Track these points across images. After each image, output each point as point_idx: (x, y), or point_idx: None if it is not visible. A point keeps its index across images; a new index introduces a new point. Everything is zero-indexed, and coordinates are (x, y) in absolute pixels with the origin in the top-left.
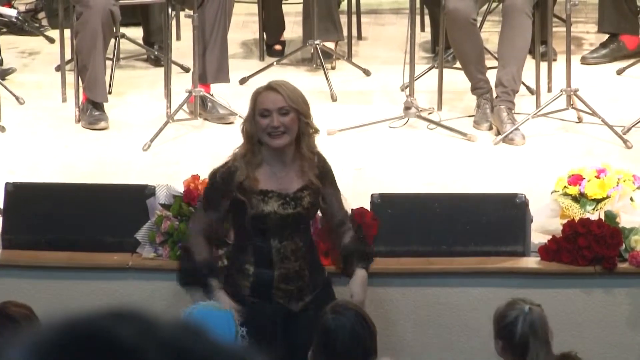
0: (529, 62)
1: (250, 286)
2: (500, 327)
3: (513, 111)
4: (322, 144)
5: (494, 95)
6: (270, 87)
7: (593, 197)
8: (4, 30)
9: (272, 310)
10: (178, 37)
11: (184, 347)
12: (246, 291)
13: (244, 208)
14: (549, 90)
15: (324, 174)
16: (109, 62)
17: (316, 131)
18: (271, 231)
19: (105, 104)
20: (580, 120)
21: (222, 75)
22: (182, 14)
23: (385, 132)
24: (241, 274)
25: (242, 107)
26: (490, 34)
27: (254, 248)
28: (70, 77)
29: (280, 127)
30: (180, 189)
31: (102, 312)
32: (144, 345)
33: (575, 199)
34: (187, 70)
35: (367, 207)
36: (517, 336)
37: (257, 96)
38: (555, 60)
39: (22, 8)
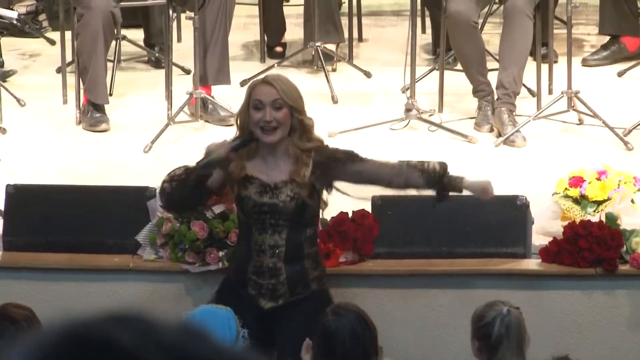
0: (530, 64)
1: (234, 271)
2: (477, 328)
3: (514, 113)
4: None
5: (495, 97)
6: (266, 81)
7: (594, 199)
8: (5, 32)
9: (245, 301)
10: (179, 39)
11: (184, 349)
12: (231, 275)
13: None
14: (550, 92)
15: (324, 162)
16: (109, 64)
17: (310, 127)
18: (251, 219)
19: (106, 105)
20: (581, 122)
21: (223, 76)
22: (182, 15)
23: (386, 134)
24: (233, 257)
25: None
26: (491, 36)
27: (241, 234)
28: (71, 79)
29: (272, 122)
30: None
31: (102, 316)
32: (144, 348)
33: (576, 200)
34: (187, 72)
35: (368, 208)
36: (493, 337)
37: (252, 89)
38: (556, 62)
39: (23, 10)
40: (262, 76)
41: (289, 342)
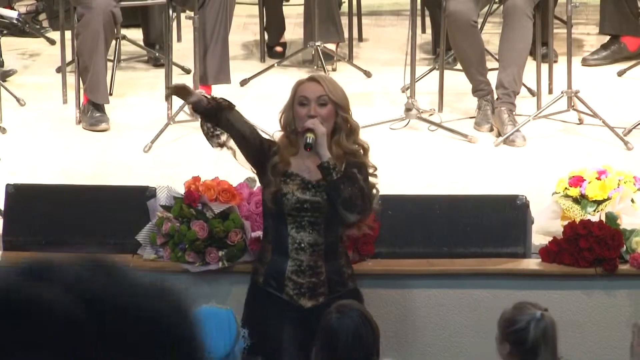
0: (530, 64)
1: (264, 273)
2: (509, 332)
3: (514, 112)
4: None
5: (495, 96)
6: (312, 78)
7: (594, 199)
8: (5, 32)
9: (282, 303)
10: (179, 39)
11: (88, 288)
12: (261, 279)
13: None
14: (550, 91)
15: (353, 163)
16: (109, 64)
17: (355, 128)
18: (289, 216)
19: (106, 105)
20: (581, 122)
21: (223, 76)
22: (182, 15)
23: (386, 133)
24: (260, 261)
25: (243, 108)
26: (491, 36)
27: (274, 234)
28: (71, 78)
29: (316, 117)
30: (181, 190)
31: (19, 271)
32: (60, 302)
33: (576, 200)
34: (188, 71)
35: None
36: (528, 342)
37: (298, 86)
38: (556, 61)
39: (23, 10)
40: (308, 75)
41: None
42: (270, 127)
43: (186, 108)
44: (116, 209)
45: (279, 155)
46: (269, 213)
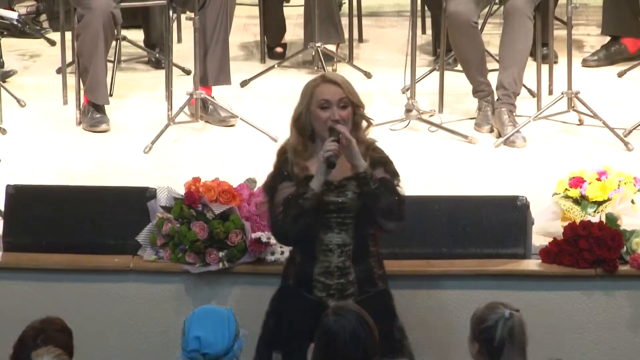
0: (530, 65)
1: (294, 275)
2: (478, 330)
3: (514, 113)
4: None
5: (495, 97)
6: (329, 80)
7: (594, 200)
8: (5, 33)
9: (312, 304)
10: (179, 40)
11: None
12: (291, 282)
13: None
14: (550, 92)
15: (378, 160)
16: (110, 65)
17: (369, 123)
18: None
19: (106, 106)
20: (581, 123)
21: (223, 77)
22: (183, 16)
23: (387, 134)
24: (291, 263)
25: (243, 109)
26: (491, 36)
27: (305, 242)
28: (71, 79)
29: (340, 121)
30: (181, 191)
31: None
32: None
33: (576, 201)
34: (188, 72)
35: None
36: (495, 340)
37: (313, 89)
38: (556, 62)
39: (23, 11)
40: (319, 75)
41: None
42: (270, 127)
43: (186, 109)
44: (116, 210)
45: (295, 164)
46: None
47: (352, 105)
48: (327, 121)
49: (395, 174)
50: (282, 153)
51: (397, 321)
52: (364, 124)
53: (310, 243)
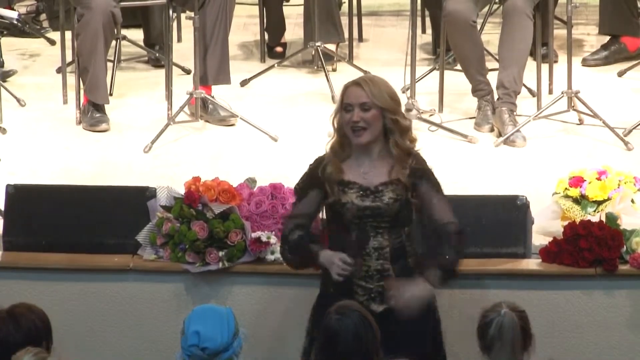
0: (530, 64)
1: (334, 282)
2: (478, 326)
3: (515, 113)
4: (323, 145)
5: (495, 97)
6: (356, 82)
7: (594, 199)
8: (5, 32)
9: None
10: (179, 39)
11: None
12: (331, 289)
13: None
14: (550, 92)
15: (418, 171)
16: (109, 64)
17: (408, 127)
18: (351, 224)
19: (106, 105)
20: (581, 122)
21: (223, 76)
22: (183, 15)
23: None
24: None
25: (243, 109)
26: (491, 36)
27: (338, 243)
28: (71, 79)
29: (359, 122)
30: (181, 190)
31: None
32: None
33: (576, 200)
34: (188, 72)
35: None
36: (487, 337)
37: (344, 90)
38: (556, 62)
39: (23, 10)
40: (356, 78)
41: (405, 344)
42: (270, 127)
43: (186, 108)
44: (116, 209)
45: (331, 164)
46: (332, 221)
47: (379, 109)
48: (349, 123)
49: (436, 185)
50: (322, 156)
51: (439, 319)
52: (406, 127)
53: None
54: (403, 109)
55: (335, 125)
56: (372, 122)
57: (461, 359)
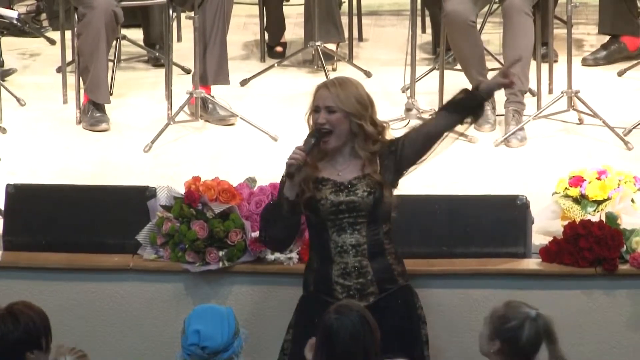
0: (530, 64)
1: (314, 281)
2: (502, 329)
3: (522, 112)
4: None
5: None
6: (325, 85)
7: (594, 199)
8: (5, 31)
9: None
10: (179, 39)
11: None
12: (312, 287)
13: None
14: (550, 91)
15: (388, 148)
16: (110, 64)
17: (371, 134)
18: (328, 221)
19: (106, 105)
20: (581, 122)
21: (222, 77)
22: (183, 15)
23: None
24: (309, 269)
25: (243, 108)
26: (491, 36)
27: (316, 241)
28: (71, 78)
29: (325, 124)
30: (181, 190)
31: None
32: None
33: (576, 200)
34: (188, 71)
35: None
36: (522, 340)
37: (315, 91)
38: (556, 61)
39: (24, 9)
40: (329, 79)
41: (389, 340)
42: (270, 126)
43: (186, 108)
44: (116, 209)
45: (306, 163)
46: (308, 220)
47: (345, 114)
48: (316, 124)
49: (402, 135)
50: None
51: (422, 317)
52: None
53: (325, 246)
54: (402, 109)
55: (310, 123)
56: (337, 125)
57: (472, 356)
